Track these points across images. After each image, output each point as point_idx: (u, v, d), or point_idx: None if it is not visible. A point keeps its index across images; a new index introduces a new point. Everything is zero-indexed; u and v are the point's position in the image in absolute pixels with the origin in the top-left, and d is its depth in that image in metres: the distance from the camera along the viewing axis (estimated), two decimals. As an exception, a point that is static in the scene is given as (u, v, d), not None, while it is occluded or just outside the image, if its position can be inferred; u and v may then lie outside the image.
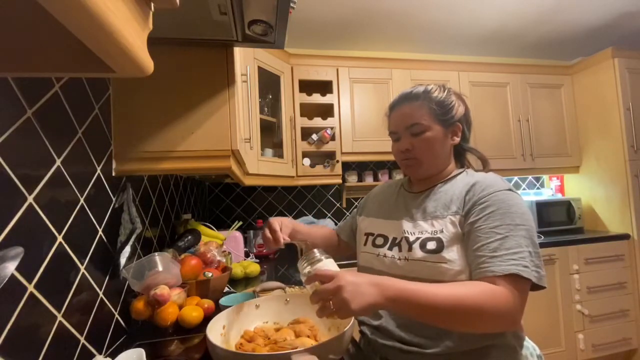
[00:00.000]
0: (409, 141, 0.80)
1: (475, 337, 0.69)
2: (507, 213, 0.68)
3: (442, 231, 0.73)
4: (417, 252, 0.73)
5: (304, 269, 0.66)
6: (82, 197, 0.74)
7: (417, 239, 0.75)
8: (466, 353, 0.69)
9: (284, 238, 0.81)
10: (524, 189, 2.80)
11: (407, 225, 0.79)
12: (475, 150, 0.87)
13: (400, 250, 0.78)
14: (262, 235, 0.85)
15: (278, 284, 1.11)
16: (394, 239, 0.81)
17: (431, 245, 0.72)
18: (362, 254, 0.88)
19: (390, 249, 0.80)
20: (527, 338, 0.80)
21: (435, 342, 0.70)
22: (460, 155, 0.88)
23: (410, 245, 0.75)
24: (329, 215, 2.49)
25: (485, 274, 0.64)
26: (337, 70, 2.19)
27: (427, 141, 0.78)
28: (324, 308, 0.58)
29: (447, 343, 0.69)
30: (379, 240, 0.84)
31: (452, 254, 0.70)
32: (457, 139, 0.82)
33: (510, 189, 0.73)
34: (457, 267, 0.69)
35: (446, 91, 0.82)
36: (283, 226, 0.85)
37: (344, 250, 1.05)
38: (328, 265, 0.65)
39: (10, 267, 0.45)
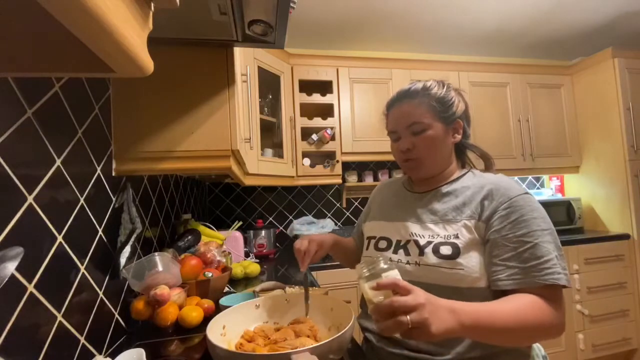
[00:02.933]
0: (409, 140, 0.77)
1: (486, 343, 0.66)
2: (531, 219, 0.67)
3: (457, 236, 0.70)
4: (431, 258, 0.70)
5: (367, 272, 0.58)
6: (82, 197, 0.74)
7: (429, 243, 0.72)
8: (476, 359, 0.67)
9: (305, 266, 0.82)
10: (524, 189, 2.80)
11: (414, 228, 0.76)
12: (477, 148, 0.83)
13: (408, 254, 0.74)
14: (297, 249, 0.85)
15: (278, 283, 1.11)
16: (398, 241, 0.78)
17: (445, 250, 0.69)
18: (365, 259, 0.84)
19: (395, 252, 0.77)
20: None
21: (445, 349, 0.67)
22: (461, 153, 0.85)
23: (421, 249, 0.72)
24: (329, 215, 2.49)
25: (521, 285, 0.64)
26: (337, 70, 2.19)
27: (429, 140, 0.76)
28: (398, 323, 0.49)
29: (457, 349, 0.67)
30: (382, 244, 0.81)
31: (470, 260, 0.68)
32: (458, 137, 0.79)
33: (527, 192, 0.71)
34: (475, 274, 0.67)
35: (445, 87, 0.79)
36: (314, 250, 0.84)
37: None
38: (397, 276, 0.57)
39: (10, 267, 0.45)
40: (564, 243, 2.09)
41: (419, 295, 0.51)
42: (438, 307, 0.52)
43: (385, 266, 0.58)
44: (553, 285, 0.63)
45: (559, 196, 2.63)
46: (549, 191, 2.75)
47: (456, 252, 0.68)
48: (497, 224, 0.68)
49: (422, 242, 0.73)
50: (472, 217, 0.71)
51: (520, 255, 0.65)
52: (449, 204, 0.75)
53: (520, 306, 0.61)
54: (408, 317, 0.49)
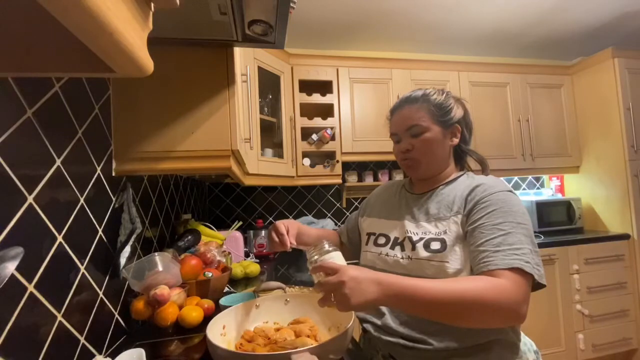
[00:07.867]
0: (408, 142, 0.82)
1: (477, 333, 0.70)
2: (509, 212, 0.70)
3: (445, 232, 0.74)
4: (421, 252, 0.75)
5: (312, 257, 0.68)
6: (82, 197, 0.74)
7: (421, 239, 0.77)
8: (469, 349, 0.70)
9: (291, 242, 0.83)
10: (524, 189, 2.80)
11: (409, 226, 0.81)
12: (474, 153, 0.89)
13: (403, 249, 0.79)
14: (269, 237, 0.87)
15: (278, 284, 1.11)
16: (396, 238, 0.82)
17: (435, 245, 0.74)
18: (364, 253, 0.89)
19: (392, 248, 0.82)
20: (522, 334, 0.81)
21: (438, 338, 0.71)
22: (460, 158, 0.90)
23: (413, 245, 0.77)
24: (329, 215, 2.49)
25: (488, 267, 0.65)
26: (337, 70, 2.19)
27: (426, 142, 0.81)
28: (325, 299, 0.61)
29: (449, 339, 0.70)
30: (381, 240, 0.86)
31: (454, 253, 0.72)
32: (456, 140, 0.84)
33: (510, 191, 0.75)
34: (458, 266, 0.71)
35: (444, 94, 0.84)
36: (290, 229, 0.86)
37: (345, 253, 1.05)
38: (335, 258, 0.67)
39: (10, 267, 0.45)
40: (564, 243, 2.10)
41: (342, 274, 0.59)
42: (361, 281, 0.59)
43: (330, 249, 0.69)
44: (519, 271, 0.63)
45: (559, 196, 2.63)
46: (549, 191, 2.75)
47: (444, 247, 0.73)
48: (476, 215, 0.72)
49: (415, 238, 0.78)
50: (459, 212, 0.75)
51: (492, 241, 0.67)
52: (442, 203, 0.79)
53: (460, 283, 0.63)
54: (332, 295, 0.59)
